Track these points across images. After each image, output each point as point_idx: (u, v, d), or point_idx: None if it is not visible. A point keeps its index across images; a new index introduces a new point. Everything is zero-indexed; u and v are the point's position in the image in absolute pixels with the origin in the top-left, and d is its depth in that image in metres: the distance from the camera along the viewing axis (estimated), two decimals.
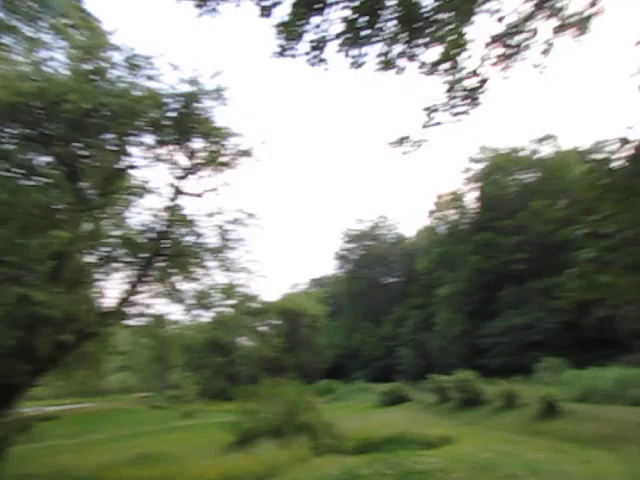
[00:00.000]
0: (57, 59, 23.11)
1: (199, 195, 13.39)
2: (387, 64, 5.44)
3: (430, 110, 5.67)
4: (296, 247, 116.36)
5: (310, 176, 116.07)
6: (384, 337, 52.47)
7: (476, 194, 44.59)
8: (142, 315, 13.63)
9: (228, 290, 14.43)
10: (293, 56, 5.19)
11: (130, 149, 13.40)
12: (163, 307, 14.52)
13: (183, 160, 13.63)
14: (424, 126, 5.70)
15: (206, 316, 16.65)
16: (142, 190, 13.68)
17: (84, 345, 11.63)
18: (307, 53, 5.19)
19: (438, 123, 5.66)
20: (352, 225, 63.54)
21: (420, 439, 13.87)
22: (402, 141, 5.82)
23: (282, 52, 5.18)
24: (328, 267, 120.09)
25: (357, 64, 5.32)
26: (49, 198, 11.22)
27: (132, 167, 13.49)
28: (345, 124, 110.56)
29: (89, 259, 12.60)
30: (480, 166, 44.16)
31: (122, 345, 17.79)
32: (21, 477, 11.57)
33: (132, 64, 12.46)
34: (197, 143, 13.58)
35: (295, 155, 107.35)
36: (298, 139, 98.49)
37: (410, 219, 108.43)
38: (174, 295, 14.03)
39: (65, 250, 9.97)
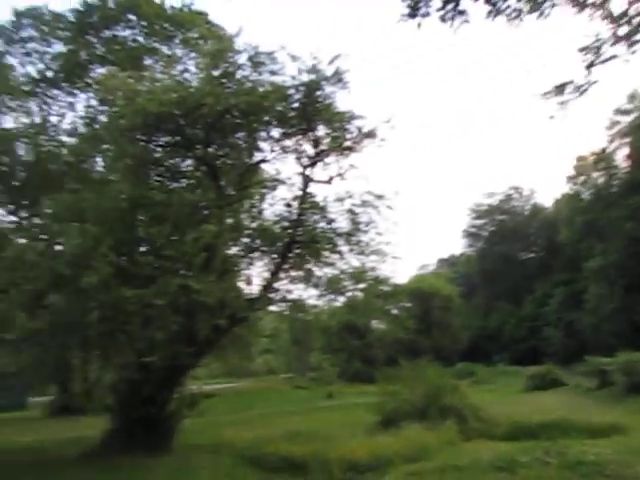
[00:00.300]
0: (190, 70, 25.20)
1: (328, 181, 13.57)
2: (530, 4, 4.77)
3: (593, 48, 4.82)
4: (421, 227, 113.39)
5: (435, 149, 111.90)
6: (526, 317, 48.85)
7: (626, 151, 38.92)
8: (283, 300, 14.32)
9: (359, 274, 14.49)
10: (426, 14, 4.80)
11: (260, 144, 14.11)
12: (301, 292, 15.06)
13: (309, 149, 13.95)
14: (589, 66, 4.87)
15: (340, 300, 17.04)
16: (274, 182, 14.33)
17: (235, 329, 12.60)
18: (441, 8, 4.77)
19: (612, 57, 4.77)
20: (480, 200, 59.93)
21: (583, 426, 12.55)
22: (561, 88, 5.06)
23: (412, 13, 4.83)
24: (456, 246, 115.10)
25: (496, 12, 4.75)
26: (195, 197, 12.29)
27: (263, 161, 14.17)
28: (469, 89, 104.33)
29: (233, 250, 13.57)
30: (630, 118, 38.39)
31: (266, 329, 18.98)
32: (191, 448, 13.00)
33: (256, 62, 13.00)
34: (321, 130, 13.78)
35: (419, 128, 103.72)
36: (422, 111, 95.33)
37: (546, 188, 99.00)
38: (310, 280, 14.49)
39: (213, 243, 10.85)
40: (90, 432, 16.25)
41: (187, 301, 9.68)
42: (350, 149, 13.87)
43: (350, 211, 13.12)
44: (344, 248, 13.55)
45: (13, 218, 24.73)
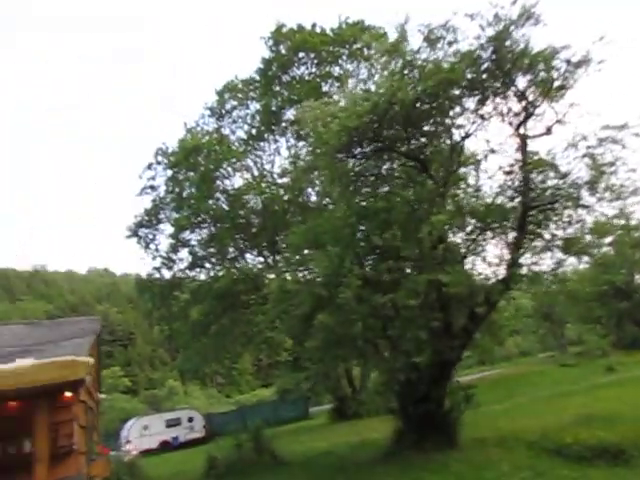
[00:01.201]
0: (363, 78, 25.88)
1: (547, 132, 11.99)
2: None
3: None
4: None
5: None
6: None
7: None
8: (531, 275, 13.04)
9: (601, 227, 12.36)
10: None
11: (458, 121, 13.37)
12: (546, 262, 13.54)
13: (514, 105, 12.61)
14: None
15: (585, 261, 14.81)
16: (484, 154, 13.35)
17: (489, 315, 11.95)
18: None
19: None
20: None
21: None
22: None
23: None
24: None
25: None
26: (412, 193, 12.23)
27: (467, 136, 13.36)
28: None
29: (462, 235, 13.02)
30: None
31: (514, 309, 17.64)
32: (475, 441, 12.65)
33: (432, 39, 12.44)
34: (522, 81, 12.33)
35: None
36: None
37: None
38: (555, 246, 12.93)
39: (444, 233, 10.57)
40: (373, 435, 17.40)
41: (438, 295, 9.57)
42: (562, 88, 12.05)
43: (587, 155, 11.24)
44: (591, 200, 11.66)
45: (260, 259, 29.21)
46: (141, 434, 28.61)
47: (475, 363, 40.08)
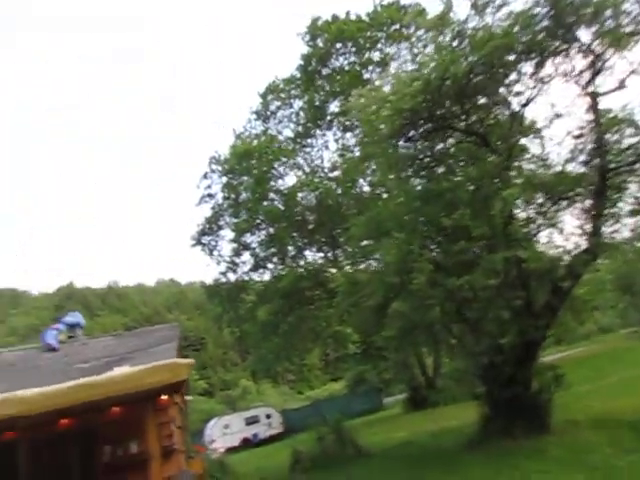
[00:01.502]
0: (406, 58, 25.15)
1: (620, 87, 11.06)
2: None
3: None
4: None
5: None
6: None
7: None
8: (611, 244, 12.13)
9: None
10: None
11: (515, 88, 12.65)
12: (627, 228, 12.52)
13: (578, 62, 11.74)
14: None
15: None
16: (549, 119, 12.54)
17: (573, 288, 11.23)
18: None
19: None
20: None
21: None
22: None
23: None
24: None
25: None
26: (475, 170, 11.69)
27: (527, 104, 12.63)
28: None
29: (532, 208, 12.31)
30: None
31: (598, 282, 16.52)
32: (568, 424, 11.93)
33: (479, 5, 11.84)
34: (586, 34, 11.45)
35: None
36: None
37: None
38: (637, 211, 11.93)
39: (514, 207, 10.02)
40: (452, 422, 16.91)
41: (518, 273, 9.06)
42: (635, 34, 11.07)
43: None
44: None
45: (320, 254, 29.28)
46: (223, 433, 29.56)
47: (552, 343, 38.19)
